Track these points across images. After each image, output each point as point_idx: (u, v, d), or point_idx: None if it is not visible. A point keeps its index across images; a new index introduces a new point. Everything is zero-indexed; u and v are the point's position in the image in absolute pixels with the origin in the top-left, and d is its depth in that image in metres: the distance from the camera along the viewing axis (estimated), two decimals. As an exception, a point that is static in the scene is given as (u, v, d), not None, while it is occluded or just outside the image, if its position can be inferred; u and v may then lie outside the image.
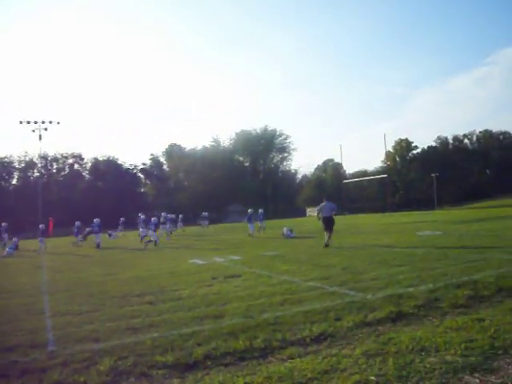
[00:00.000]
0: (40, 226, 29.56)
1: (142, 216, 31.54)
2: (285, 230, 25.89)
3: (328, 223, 18.26)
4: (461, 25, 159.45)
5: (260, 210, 35.21)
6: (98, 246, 26.61)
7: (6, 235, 32.00)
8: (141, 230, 29.10)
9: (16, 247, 26.33)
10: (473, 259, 10.98)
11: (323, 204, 18.76)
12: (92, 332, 6.48)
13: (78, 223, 31.96)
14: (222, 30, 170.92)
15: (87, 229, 33.32)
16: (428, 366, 4.40)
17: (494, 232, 18.76)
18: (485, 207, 58.56)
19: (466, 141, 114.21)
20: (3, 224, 32.67)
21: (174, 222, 40.85)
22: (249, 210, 29.42)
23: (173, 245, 24.86)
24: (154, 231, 26.53)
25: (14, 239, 27.47)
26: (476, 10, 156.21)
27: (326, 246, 17.54)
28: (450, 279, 8.50)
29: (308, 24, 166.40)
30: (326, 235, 18.13)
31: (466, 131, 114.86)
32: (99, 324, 6.93)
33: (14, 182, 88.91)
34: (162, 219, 33.85)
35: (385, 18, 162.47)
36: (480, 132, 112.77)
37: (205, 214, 51.09)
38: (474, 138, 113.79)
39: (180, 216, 44.24)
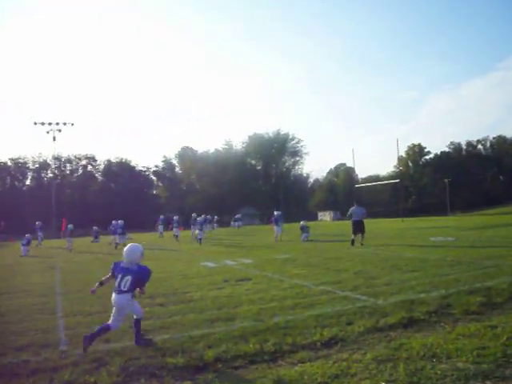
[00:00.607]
0: (69, 225, 30.66)
1: (193, 215, 34.96)
2: (302, 222, 26.57)
3: (358, 226, 20.15)
4: (474, 29, 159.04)
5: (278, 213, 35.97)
6: (116, 246, 27.74)
7: (41, 233, 35.01)
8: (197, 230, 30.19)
9: (28, 242, 26.86)
10: (485, 266, 10.90)
11: (353, 208, 20.83)
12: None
13: (120, 222, 32.46)
14: (236, 32, 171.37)
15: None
16: (439, 372, 4.38)
17: (507, 239, 18.59)
18: (498, 213, 58.09)
19: (479, 146, 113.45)
20: (37, 222, 35.02)
21: (210, 222, 43.03)
22: (275, 212, 28.73)
23: (183, 247, 24.88)
24: (201, 230, 28.67)
25: (27, 235, 27.97)
26: (489, 15, 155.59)
27: (353, 243, 19.69)
28: (462, 285, 8.45)
29: (322, 27, 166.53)
30: (353, 236, 20.01)
31: (480, 137, 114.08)
32: (110, 325, 6.96)
33: (28, 182, 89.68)
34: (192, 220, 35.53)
35: (398, 23, 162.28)
36: (494, 138, 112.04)
37: (238, 215, 53.54)
38: (488, 144, 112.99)
39: (215, 217, 46.66)
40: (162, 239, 34.82)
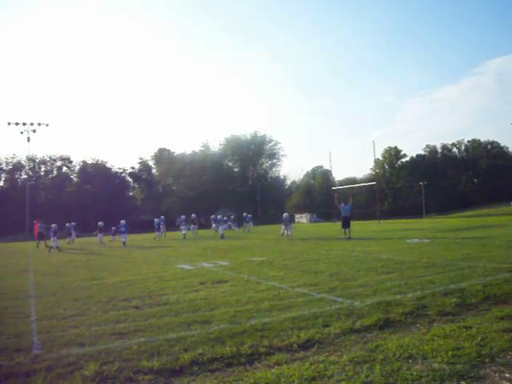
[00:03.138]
0: (99, 222, 33.00)
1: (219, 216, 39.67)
2: (285, 214, 30.84)
3: (346, 221, 25.50)
4: (449, 36, 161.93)
5: (244, 214, 45.10)
6: (124, 244, 29.88)
7: (74, 232, 37.98)
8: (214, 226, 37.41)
9: (55, 233, 29.54)
10: (460, 267, 11.04)
11: (343, 206, 26.67)
12: (77, 336, 6.41)
13: (101, 223, 33.51)
14: (215, 34, 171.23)
15: (113, 228, 37.57)
16: (415, 373, 4.40)
17: (480, 240, 18.87)
18: (472, 216, 58.95)
19: (454, 150, 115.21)
20: (72, 223, 37.84)
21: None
22: (285, 214, 31.62)
23: (159, 249, 24.76)
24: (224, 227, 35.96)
25: (53, 225, 30.31)
26: (464, 22, 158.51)
27: (349, 238, 24.08)
28: (437, 287, 8.54)
29: (302, 33, 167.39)
30: (343, 232, 25.22)
31: (455, 140, 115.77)
32: (85, 328, 6.87)
33: (1, 183, 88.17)
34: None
35: (376, 31, 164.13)
36: (468, 141, 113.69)
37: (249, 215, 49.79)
38: (463, 147, 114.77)
39: (249, 215, 47.47)
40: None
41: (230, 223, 48.11)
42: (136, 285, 11.25)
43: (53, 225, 30.73)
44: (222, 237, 33.13)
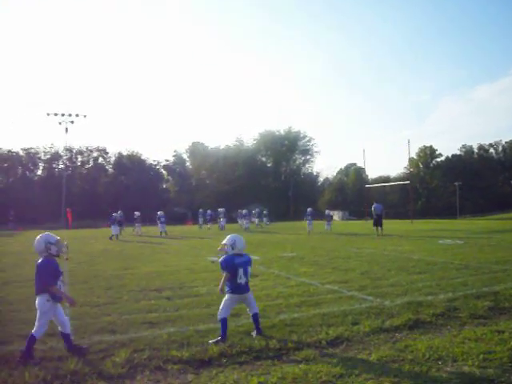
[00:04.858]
0: (136, 212, 34.07)
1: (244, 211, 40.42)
2: (327, 211, 34.03)
3: (378, 220, 26.51)
4: (486, 35, 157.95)
5: (257, 209, 45.42)
6: (165, 233, 31.45)
7: (139, 224, 36.59)
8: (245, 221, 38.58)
9: (114, 221, 29.64)
10: (493, 270, 10.86)
11: (375, 205, 27.75)
12: (109, 324, 6.55)
13: (137, 213, 34.25)
14: (251, 26, 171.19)
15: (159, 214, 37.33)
16: (444, 375, 4.37)
17: (516, 244, 18.48)
18: (508, 218, 57.62)
19: (491, 150, 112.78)
20: (136, 212, 36.62)
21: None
22: (308, 209, 32.90)
23: (192, 241, 24.95)
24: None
25: (114, 214, 31.07)
26: (502, 21, 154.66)
27: (378, 235, 25.19)
28: (469, 289, 8.43)
29: (335, 30, 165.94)
30: (375, 230, 26.17)
31: (492, 141, 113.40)
32: (116, 316, 7.01)
33: (39, 173, 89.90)
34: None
35: (411, 28, 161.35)
36: (506, 142, 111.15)
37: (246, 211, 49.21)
38: (500, 148, 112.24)
39: (264, 211, 47.73)
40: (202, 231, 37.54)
41: (252, 218, 47.28)
42: (167, 276, 11.39)
43: (113, 214, 31.46)
44: (247, 230, 35.58)
